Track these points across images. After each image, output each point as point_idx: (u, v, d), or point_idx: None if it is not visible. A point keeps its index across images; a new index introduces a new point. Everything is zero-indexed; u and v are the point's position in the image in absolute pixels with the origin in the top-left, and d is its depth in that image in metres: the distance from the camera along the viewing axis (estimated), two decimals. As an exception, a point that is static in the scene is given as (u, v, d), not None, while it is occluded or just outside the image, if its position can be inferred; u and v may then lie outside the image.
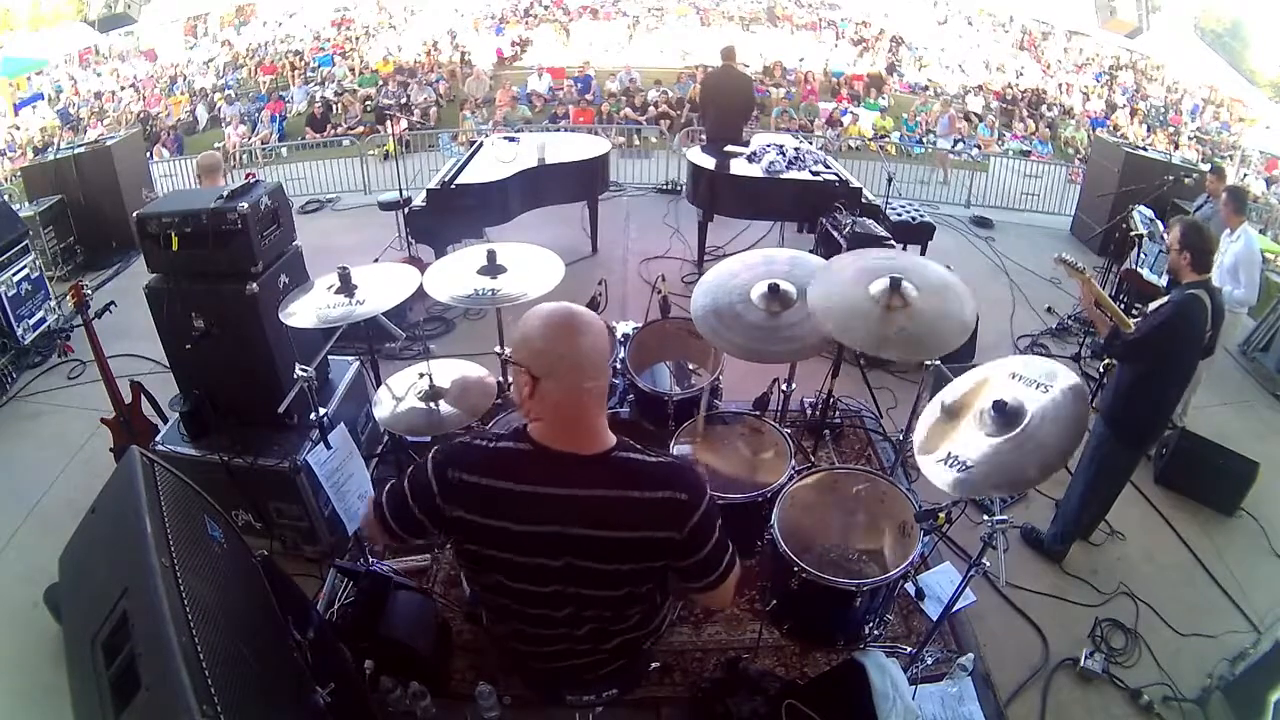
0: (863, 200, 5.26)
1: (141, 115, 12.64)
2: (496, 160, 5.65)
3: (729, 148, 5.84)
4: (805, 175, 5.45)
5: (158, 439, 3.07)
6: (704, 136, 6.62)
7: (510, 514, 1.38)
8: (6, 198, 5.69)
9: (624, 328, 3.46)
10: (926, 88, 14.70)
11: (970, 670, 2.67)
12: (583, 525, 1.37)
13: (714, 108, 6.26)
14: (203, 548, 1.59)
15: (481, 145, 6.13)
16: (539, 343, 1.35)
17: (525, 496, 1.37)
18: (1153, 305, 3.00)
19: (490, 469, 1.38)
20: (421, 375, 2.89)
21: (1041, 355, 4.94)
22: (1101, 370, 3.75)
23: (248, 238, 2.75)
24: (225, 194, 2.78)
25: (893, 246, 4.62)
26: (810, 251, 4.01)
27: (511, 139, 6.18)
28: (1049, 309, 5.52)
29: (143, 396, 3.49)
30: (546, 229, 5.93)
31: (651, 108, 12.40)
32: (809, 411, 3.95)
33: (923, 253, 5.25)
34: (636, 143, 10.64)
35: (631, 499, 1.37)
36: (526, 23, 16.81)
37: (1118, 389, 3.03)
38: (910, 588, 2.90)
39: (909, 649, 2.69)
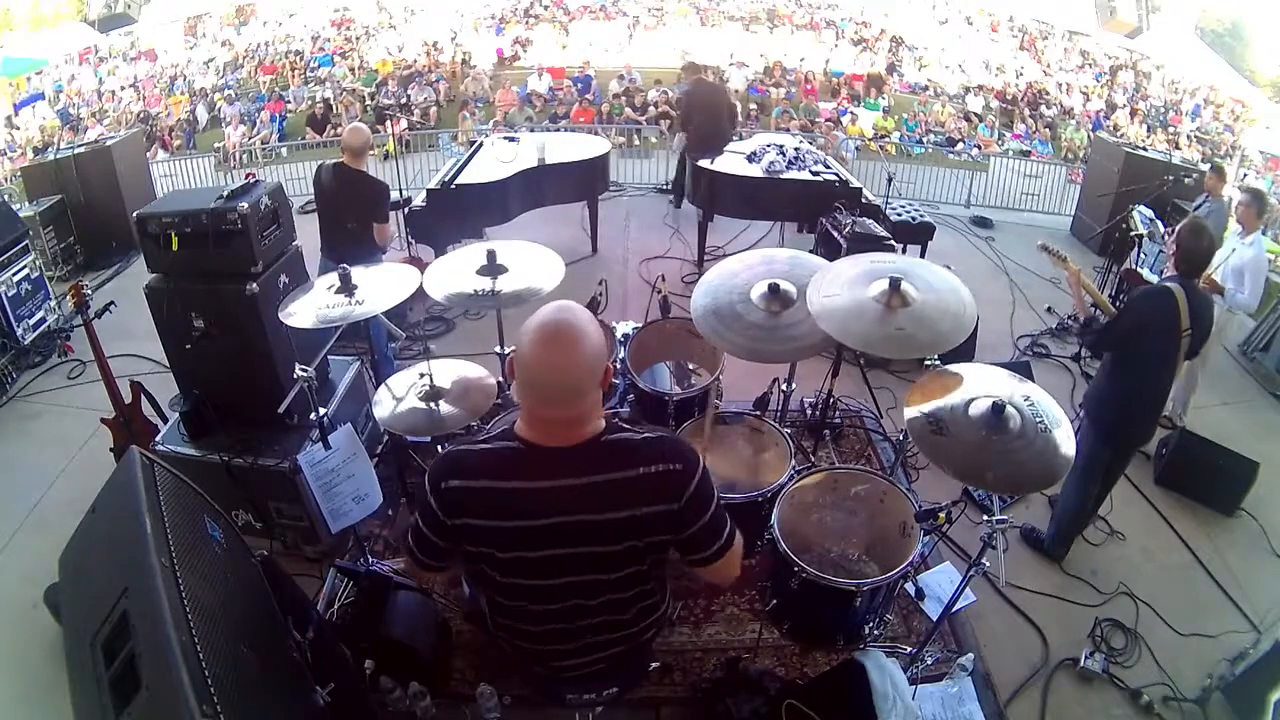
0: (863, 200, 5.26)
1: (141, 115, 12.64)
2: (496, 160, 5.65)
3: (728, 147, 5.85)
4: (805, 175, 5.45)
5: (158, 439, 3.07)
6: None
7: (510, 511, 1.38)
8: (6, 198, 5.68)
9: (624, 328, 3.46)
10: (926, 88, 14.71)
11: (970, 670, 2.67)
12: (582, 512, 1.38)
13: (697, 119, 6.24)
14: (203, 548, 1.59)
15: (481, 145, 6.13)
16: (523, 341, 1.33)
17: (522, 492, 1.37)
18: None
19: (484, 471, 1.39)
20: (422, 375, 2.89)
21: (1043, 356, 4.97)
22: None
23: (248, 238, 2.75)
24: (225, 194, 2.78)
25: (893, 247, 4.62)
26: (810, 251, 4.01)
27: (511, 139, 6.18)
28: (1049, 309, 5.52)
29: (143, 396, 3.49)
30: (546, 229, 5.92)
31: (651, 108, 12.41)
32: (809, 411, 3.95)
33: (923, 253, 5.26)
34: (636, 143, 10.65)
35: (627, 478, 1.37)
36: (526, 23, 16.80)
37: (1097, 382, 3.06)
38: (910, 588, 2.90)
39: (909, 649, 2.69)
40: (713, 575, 1.55)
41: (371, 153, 4.17)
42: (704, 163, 5.61)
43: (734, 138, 6.18)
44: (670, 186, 7.22)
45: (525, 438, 1.39)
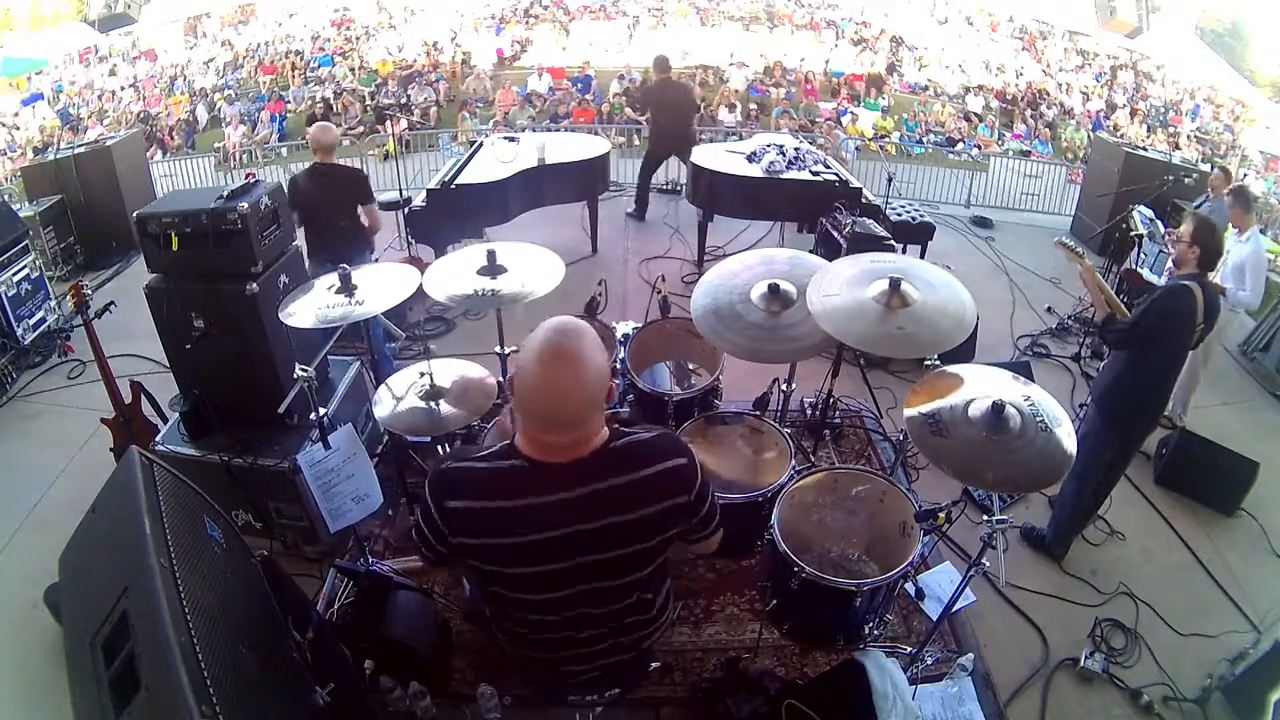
0: (863, 200, 5.26)
1: (141, 115, 12.65)
2: (496, 160, 5.65)
3: (728, 147, 5.85)
4: (805, 175, 5.45)
5: (158, 439, 3.07)
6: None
7: (516, 529, 1.36)
8: (6, 198, 5.68)
9: (624, 328, 3.46)
10: (926, 88, 14.72)
11: (970, 670, 2.67)
12: (595, 519, 1.36)
13: (656, 118, 6.41)
14: (202, 548, 1.59)
15: (481, 145, 6.13)
16: (523, 363, 1.30)
17: (528, 509, 1.35)
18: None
19: (487, 492, 1.36)
20: (422, 375, 2.89)
21: (1043, 356, 4.97)
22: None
23: (248, 238, 2.75)
24: (225, 194, 2.78)
25: (892, 247, 4.62)
26: (810, 251, 4.01)
27: (511, 139, 6.18)
28: (1049, 309, 5.52)
29: (143, 396, 3.49)
30: (546, 229, 5.93)
31: (652, 108, 12.40)
32: (809, 411, 3.95)
33: (923, 253, 5.26)
34: (636, 143, 10.64)
35: (640, 479, 1.37)
36: (526, 23, 16.82)
37: (1109, 376, 3.08)
38: (910, 588, 2.90)
39: (909, 649, 2.69)
40: (703, 549, 1.62)
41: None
42: (702, 162, 5.60)
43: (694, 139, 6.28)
44: (637, 195, 6.98)
45: (527, 454, 1.36)
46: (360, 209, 4.03)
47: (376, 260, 4.31)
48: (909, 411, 2.20)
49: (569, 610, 1.50)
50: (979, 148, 11.59)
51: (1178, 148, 11.63)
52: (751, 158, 5.66)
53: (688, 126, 6.43)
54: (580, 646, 1.59)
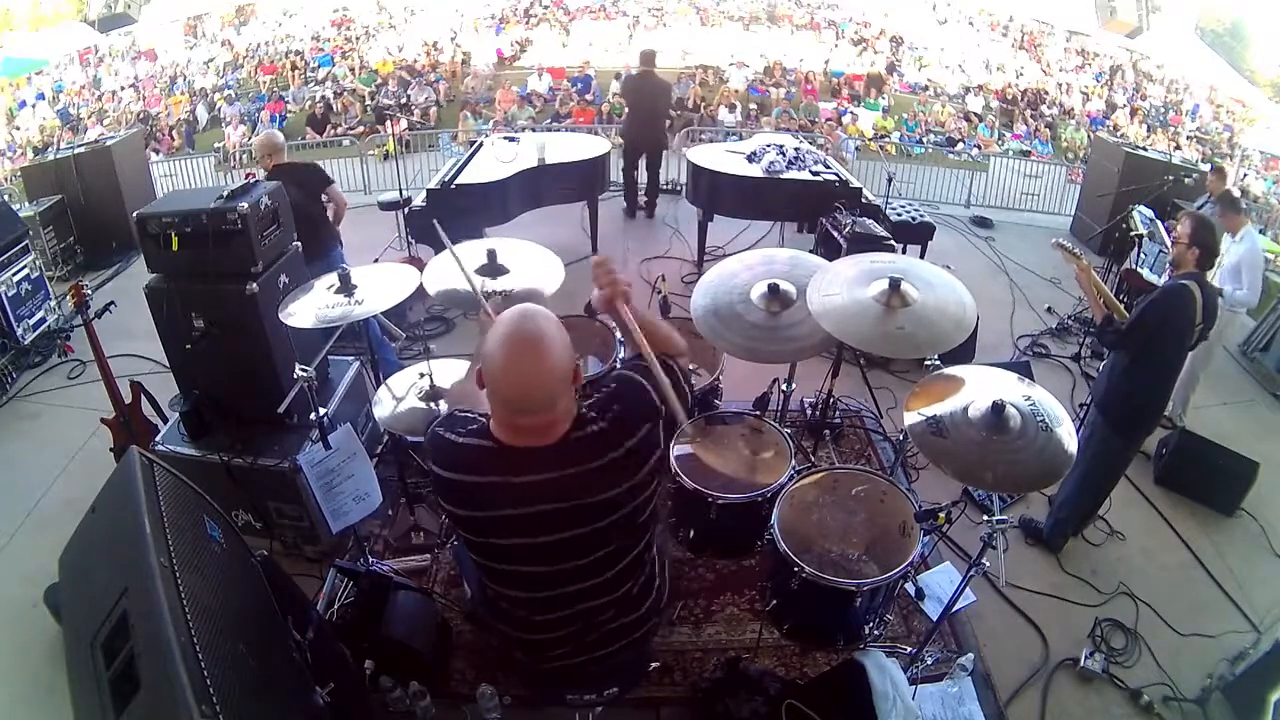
0: (863, 200, 5.26)
1: (141, 115, 12.65)
2: (496, 160, 5.64)
3: (728, 147, 5.85)
4: (805, 175, 5.45)
5: (158, 439, 3.07)
6: (620, 139, 6.90)
7: (478, 504, 1.42)
8: (6, 198, 5.69)
9: (624, 328, 3.45)
10: (926, 88, 14.72)
11: (970, 670, 2.67)
12: (561, 500, 1.39)
13: (632, 109, 6.49)
14: (202, 548, 1.59)
15: (481, 145, 6.12)
16: (489, 353, 1.34)
17: (490, 487, 1.39)
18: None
19: (458, 464, 1.42)
20: (422, 375, 2.89)
21: (1043, 356, 4.97)
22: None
23: (248, 238, 2.75)
24: (225, 194, 2.78)
25: (892, 247, 4.62)
26: (810, 251, 4.01)
27: (511, 139, 6.18)
28: (1049, 309, 5.52)
29: (143, 396, 3.49)
30: (546, 229, 5.92)
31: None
32: (809, 411, 3.95)
33: (923, 253, 5.26)
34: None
35: (600, 468, 1.39)
36: (526, 23, 16.82)
37: (1110, 377, 3.08)
38: (910, 588, 2.90)
39: (909, 649, 2.69)
40: None
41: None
42: (702, 162, 5.60)
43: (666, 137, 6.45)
44: (624, 193, 6.92)
45: (498, 438, 1.40)
46: (324, 193, 4.16)
47: (376, 260, 4.33)
48: (909, 416, 2.21)
49: (548, 589, 1.51)
50: (979, 148, 11.59)
51: (1178, 148, 11.63)
52: (751, 158, 5.66)
53: (660, 125, 6.49)
54: (562, 628, 1.59)
